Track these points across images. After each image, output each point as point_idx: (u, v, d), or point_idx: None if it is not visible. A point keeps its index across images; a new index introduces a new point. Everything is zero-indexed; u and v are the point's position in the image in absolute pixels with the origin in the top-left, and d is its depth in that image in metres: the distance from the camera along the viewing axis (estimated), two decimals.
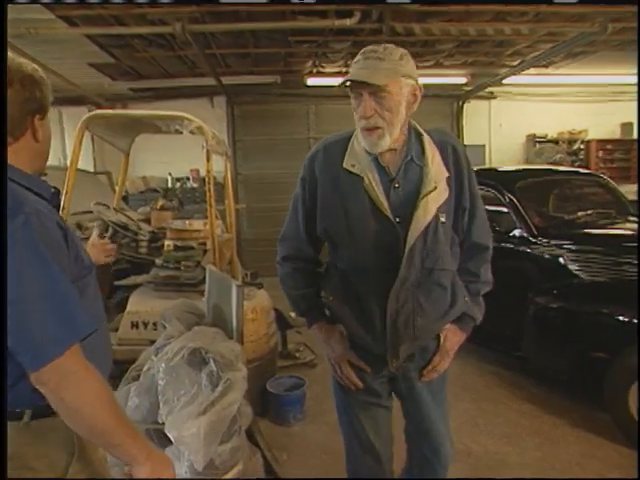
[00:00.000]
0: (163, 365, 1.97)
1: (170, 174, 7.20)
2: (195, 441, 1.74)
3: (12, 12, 4.05)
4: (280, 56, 6.08)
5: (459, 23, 4.71)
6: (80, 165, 6.58)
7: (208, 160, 2.93)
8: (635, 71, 6.34)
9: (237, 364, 2.01)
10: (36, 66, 1.13)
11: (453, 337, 1.58)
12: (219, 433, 1.80)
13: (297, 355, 4.08)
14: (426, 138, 1.45)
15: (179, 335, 2.32)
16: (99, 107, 6.89)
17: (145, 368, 2.21)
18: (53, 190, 1.17)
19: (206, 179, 3.05)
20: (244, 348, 2.97)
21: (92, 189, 4.92)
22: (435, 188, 1.40)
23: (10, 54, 1.08)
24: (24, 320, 0.93)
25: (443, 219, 1.43)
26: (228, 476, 1.87)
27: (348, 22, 4.55)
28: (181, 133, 2.88)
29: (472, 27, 4.74)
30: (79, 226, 3.95)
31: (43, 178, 3.47)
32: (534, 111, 7.64)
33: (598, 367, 2.84)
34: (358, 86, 1.38)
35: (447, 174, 1.43)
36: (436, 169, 1.42)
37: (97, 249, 1.77)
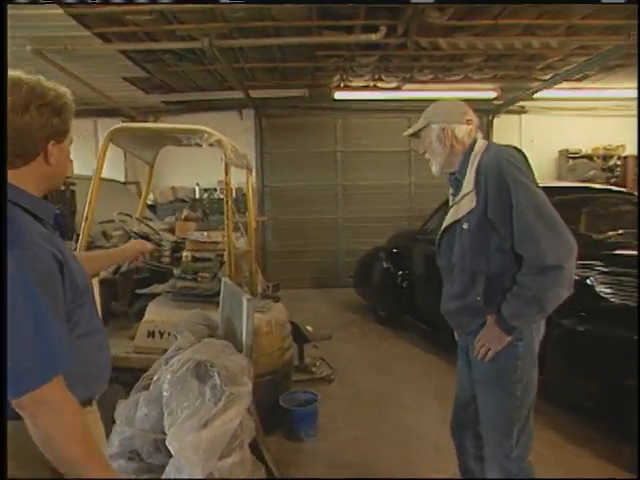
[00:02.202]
0: (169, 376, 1.98)
1: (198, 185, 7.34)
2: (194, 455, 1.73)
3: (50, 30, 4.28)
4: (308, 70, 6.14)
5: (486, 37, 4.64)
6: (111, 175, 6.83)
7: (227, 173, 2.97)
8: None
9: (242, 378, 2.00)
10: (63, 91, 1.15)
11: (489, 327, 1.72)
12: (219, 448, 1.79)
13: (314, 370, 4.04)
14: (472, 160, 1.76)
15: (189, 346, 2.33)
16: (132, 119, 7.13)
17: (155, 378, 2.23)
18: (57, 211, 1.21)
19: (224, 192, 3.08)
20: (256, 361, 2.98)
21: (121, 199, 5.06)
22: (462, 198, 1.75)
23: (37, 78, 1.12)
24: (10, 352, 0.98)
25: (465, 226, 1.73)
26: None
27: (374, 37, 4.56)
28: (201, 146, 2.92)
29: (499, 41, 4.66)
30: (104, 234, 4.06)
31: (72, 188, 3.57)
32: (567, 126, 7.44)
33: (626, 396, 2.68)
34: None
35: (470, 188, 1.72)
36: (466, 184, 1.75)
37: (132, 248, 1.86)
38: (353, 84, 6.83)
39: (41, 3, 3.61)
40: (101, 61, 5.20)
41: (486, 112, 7.50)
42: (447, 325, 4.48)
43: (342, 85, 6.88)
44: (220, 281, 3.10)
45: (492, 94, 6.91)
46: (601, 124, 7.54)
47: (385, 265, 5.52)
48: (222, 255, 3.31)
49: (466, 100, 6.67)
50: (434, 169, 1.90)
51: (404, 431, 3.19)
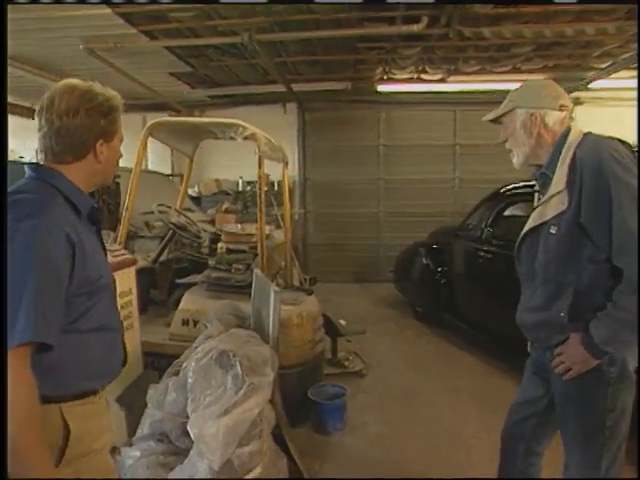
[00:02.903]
0: (193, 364, 2.05)
1: (241, 177, 7.47)
2: (213, 441, 1.78)
3: (100, 29, 4.46)
4: (350, 63, 6.09)
5: (534, 25, 4.42)
6: (159, 168, 7.07)
7: (260, 166, 3.00)
8: None
9: (264, 369, 2.03)
10: (111, 95, 1.26)
11: (571, 345, 1.53)
12: (238, 435, 1.82)
13: (346, 364, 4.04)
14: (564, 153, 1.54)
15: (217, 335, 2.40)
16: (179, 113, 7.35)
17: (184, 365, 2.30)
18: (95, 205, 1.31)
19: (258, 185, 3.12)
20: (286, 353, 3.02)
21: (165, 190, 5.23)
22: (550, 198, 1.53)
23: (90, 84, 1.23)
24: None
25: (553, 231, 1.52)
26: (247, 477, 1.89)
27: (415, 28, 4.45)
28: (235, 139, 2.97)
29: (549, 29, 4.43)
30: (147, 225, 4.22)
31: (117, 180, 3.71)
32: (627, 117, 6.96)
33: None
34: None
35: (561, 187, 1.50)
36: (556, 181, 1.53)
37: None
38: (396, 77, 6.71)
39: (43, 3, 3.71)
40: (148, 57, 5.38)
41: None
42: (485, 324, 4.37)
43: (385, 78, 6.77)
44: (253, 273, 3.16)
45: None
46: None
47: (424, 261, 5.42)
48: (256, 247, 3.37)
49: None
50: (515, 160, 1.68)
51: (434, 430, 3.13)
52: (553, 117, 1.57)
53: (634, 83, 6.45)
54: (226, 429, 1.79)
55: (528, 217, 4.86)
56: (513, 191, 4.33)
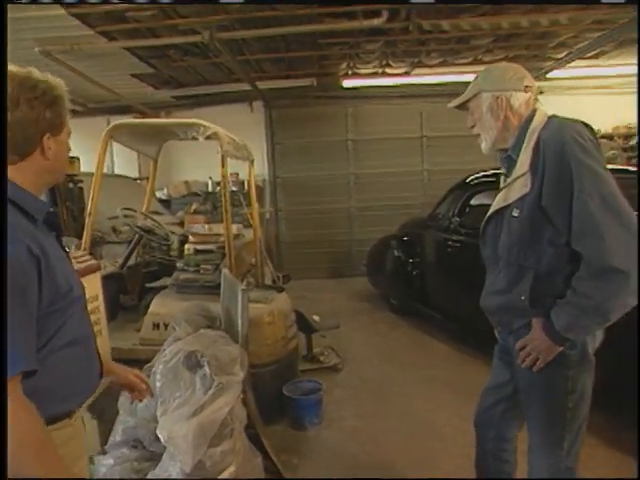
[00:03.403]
0: (161, 367, 2.03)
1: (210, 178, 7.40)
2: (184, 442, 1.77)
3: (56, 31, 4.35)
4: (314, 59, 6.10)
5: (491, 17, 4.51)
6: (126, 172, 6.93)
7: (223, 165, 2.98)
8: None
9: (233, 368, 2.03)
10: (55, 83, 1.12)
11: (535, 333, 1.52)
12: (208, 436, 1.82)
13: (321, 359, 4.06)
14: (529, 135, 1.52)
15: (185, 337, 2.38)
16: (144, 115, 7.22)
17: (153, 369, 2.28)
18: (51, 209, 1.20)
19: (222, 184, 3.10)
20: (258, 351, 3.03)
21: (132, 194, 5.14)
22: (514, 181, 1.52)
23: (29, 70, 1.09)
24: None
25: (515, 213, 1.51)
26: (220, 477, 1.89)
27: (376, 22, 4.49)
28: (198, 139, 2.94)
29: (505, 20, 4.53)
30: (114, 229, 4.15)
31: (80, 185, 3.63)
32: (585, 105, 7.14)
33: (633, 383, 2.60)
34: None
35: (524, 170, 1.49)
36: (520, 164, 1.52)
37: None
38: (361, 71, 6.76)
39: (42, 3, 3.65)
40: (108, 59, 5.26)
41: None
42: (458, 313, 4.46)
43: (350, 73, 6.81)
44: (221, 273, 3.14)
45: None
46: (620, 102, 7.26)
47: (396, 253, 5.48)
48: (224, 247, 3.35)
49: None
50: (484, 145, 1.65)
51: (409, 421, 3.18)
52: (519, 98, 1.56)
53: (590, 72, 6.67)
54: (196, 430, 1.79)
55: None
56: (478, 180, 4.42)
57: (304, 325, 3.93)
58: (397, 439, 2.95)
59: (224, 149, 2.95)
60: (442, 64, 6.36)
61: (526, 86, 1.57)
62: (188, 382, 1.96)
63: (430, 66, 6.41)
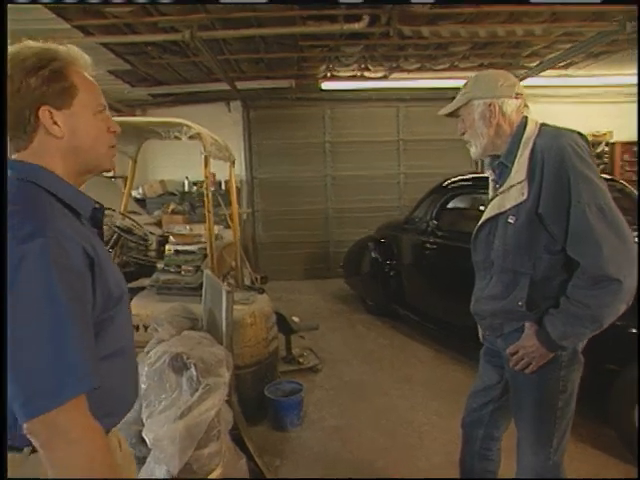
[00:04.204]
0: (146, 369, 2.00)
1: (187, 178, 7.31)
2: (170, 445, 1.75)
3: (29, 24, 4.22)
4: (293, 61, 6.10)
5: (470, 25, 4.62)
6: None
7: (206, 165, 2.96)
8: None
9: (219, 370, 2.02)
10: (52, 47, 1.00)
11: (528, 339, 1.54)
12: (196, 438, 1.81)
13: (301, 360, 4.07)
14: (524, 143, 1.54)
15: (169, 339, 2.35)
16: (120, 113, 7.08)
17: None
18: (96, 206, 1.07)
19: (205, 185, 3.08)
20: (240, 353, 3.02)
21: (107, 194, 5.03)
22: (510, 188, 1.54)
23: (20, 44, 0.98)
24: (18, 363, 0.82)
25: (511, 220, 1.53)
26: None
27: (357, 26, 4.53)
28: (180, 139, 2.92)
29: (482, 29, 4.65)
30: None
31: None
32: (555, 113, 7.34)
33: (606, 380, 2.72)
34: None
35: (521, 178, 1.50)
36: (515, 172, 1.53)
37: None
38: (340, 74, 6.80)
39: (42, 3, 3.53)
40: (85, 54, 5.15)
41: None
42: (434, 314, 4.53)
43: (329, 75, 6.84)
44: (203, 274, 3.12)
45: None
46: (588, 111, 7.55)
47: (373, 255, 5.54)
48: (205, 248, 3.32)
49: (453, 89, 6.63)
50: (474, 151, 1.67)
51: (388, 419, 3.23)
52: (510, 105, 1.57)
53: (560, 81, 6.90)
54: (183, 433, 1.77)
55: (470, 209, 5.00)
56: (455, 184, 4.52)
57: (283, 326, 3.94)
58: (377, 438, 3.00)
59: (207, 150, 2.93)
60: (419, 69, 6.47)
61: (517, 93, 1.59)
62: (174, 384, 1.94)
63: (408, 71, 6.50)
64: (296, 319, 4.15)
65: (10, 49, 0.97)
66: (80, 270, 0.89)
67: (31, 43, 0.99)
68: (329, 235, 7.94)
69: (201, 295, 2.98)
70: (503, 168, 1.62)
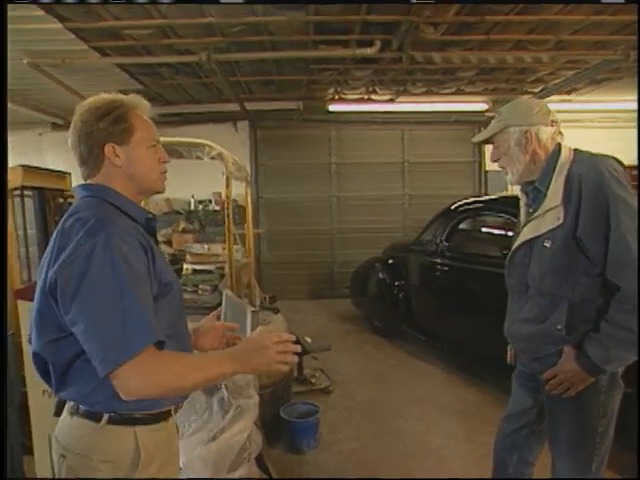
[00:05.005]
0: None
1: (193, 196, 7.34)
2: (204, 468, 1.73)
3: (48, 44, 4.30)
4: (302, 83, 6.21)
5: (479, 52, 4.74)
6: None
7: (227, 186, 2.99)
8: None
9: (249, 391, 2.01)
10: (117, 98, 1.24)
11: (568, 363, 1.54)
12: (228, 460, 1.79)
13: (313, 381, 4.04)
14: (559, 168, 1.57)
15: None
16: None
17: None
18: (150, 216, 1.29)
19: (225, 205, 3.10)
20: (258, 374, 3.00)
21: None
22: (545, 213, 1.57)
23: (98, 97, 1.23)
24: (93, 328, 1.03)
25: (547, 244, 1.55)
26: None
27: (369, 51, 4.64)
28: (202, 159, 2.95)
29: (492, 56, 4.77)
30: None
31: (70, 201, 3.53)
32: (565, 137, 7.58)
33: (625, 404, 2.72)
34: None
35: (557, 202, 1.54)
36: (551, 196, 1.56)
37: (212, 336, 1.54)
38: (347, 97, 6.91)
39: (42, 3, 3.55)
40: (97, 74, 5.22)
41: (478, 123, 7.62)
42: (444, 335, 4.52)
43: (336, 98, 6.95)
44: (220, 293, 3.11)
45: (483, 106, 7.03)
46: (590, 135, 7.67)
47: (381, 276, 5.55)
48: (222, 267, 3.33)
49: (458, 112, 6.79)
50: (510, 178, 1.70)
51: (405, 442, 3.20)
52: (546, 132, 1.60)
53: (563, 106, 7.04)
54: (216, 455, 1.76)
55: (478, 231, 5.02)
56: (463, 207, 4.57)
57: None
58: (396, 461, 2.96)
59: (229, 170, 2.96)
60: (426, 93, 6.59)
61: (552, 121, 1.62)
62: (204, 405, 1.93)
63: (414, 94, 6.62)
64: (309, 339, 4.13)
65: (88, 99, 1.24)
66: (137, 254, 1.11)
67: (103, 95, 1.26)
68: (334, 255, 7.97)
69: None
70: (537, 193, 1.64)
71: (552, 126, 1.62)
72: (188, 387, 1.12)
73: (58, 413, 1.23)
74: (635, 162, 7.95)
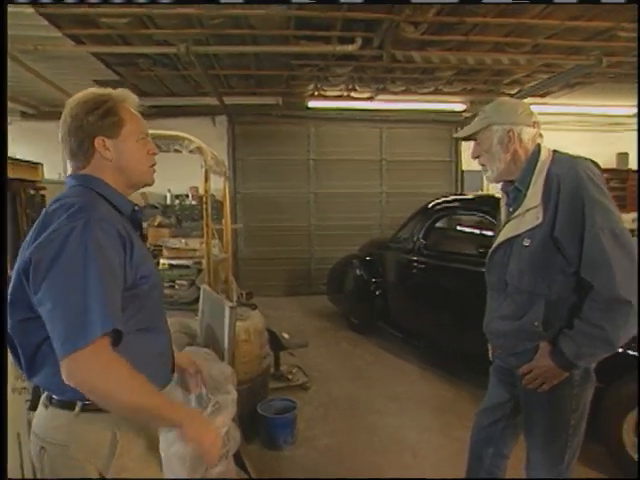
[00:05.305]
0: None
1: (169, 191, 7.23)
2: (181, 465, 1.71)
3: (19, 29, 4.15)
4: (282, 78, 6.17)
5: (458, 52, 4.80)
6: None
7: (206, 180, 2.95)
8: (632, 103, 6.49)
9: (227, 386, 1.99)
10: (105, 93, 1.26)
11: (542, 359, 1.58)
12: None
13: (290, 377, 4.04)
14: (538, 169, 1.59)
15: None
16: None
17: None
18: (136, 208, 1.32)
19: (203, 199, 3.06)
20: (236, 370, 2.97)
21: None
22: (525, 212, 1.59)
23: (88, 91, 1.26)
24: (55, 310, 1.04)
25: (526, 243, 1.58)
26: None
27: (350, 48, 4.64)
28: (180, 152, 2.90)
29: (471, 56, 4.83)
30: None
31: (42, 192, 3.44)
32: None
33: (594, 398, 2.80)
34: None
35: (536, 202, 1.56)
36: (530, 196, 1.59)
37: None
38: (327, 93, 6.91)
39: (42, 3, 3.47)
40: (72, 63, 5.07)
41: (455, 123, 7.72)
42: (420, 332, 4.58)
43: (316, 94, 6.94)
44: (198, 288, 3.08)
45: (461, 106, 7.13)
46: (563, 138, 7.85)
47: (358, 272, 5.58)
48: (200, 262, 3.29)
49: (436, 111, 6.86)
50: (489, 175, 1.72)
51: (381, 437, 3.23)
52: (528, 134, 1.63)
53: (537, 109, 7.18)
54: (194, 452, 1.73)
55: (454, 229, 5.12)
56: (440, 205, 4.62)
57: (274, 343, 3.91)
58: (372, 457, 2.98)
59: (208, 164, 2.93)
60: (405, 92, 6.64)
61: (534, 122, 1.66)
62: (182, 402, 1.89)
63: (393, 93, 6.66)
64: (286, 336, 4.12)
65: (76, 95, 1.26)
66: (113, 243, 1.12)
67: (92, 89, 1.27)
68: (311, 252, 7.97)
69: (195, 310, 2.95)
70: (517, 193, 1.67)
71: (534, 127, 1.66)
72: (121, 402, 1.06)
73: (33, 407, 1.22)
74: (611, 165, 8.23)
